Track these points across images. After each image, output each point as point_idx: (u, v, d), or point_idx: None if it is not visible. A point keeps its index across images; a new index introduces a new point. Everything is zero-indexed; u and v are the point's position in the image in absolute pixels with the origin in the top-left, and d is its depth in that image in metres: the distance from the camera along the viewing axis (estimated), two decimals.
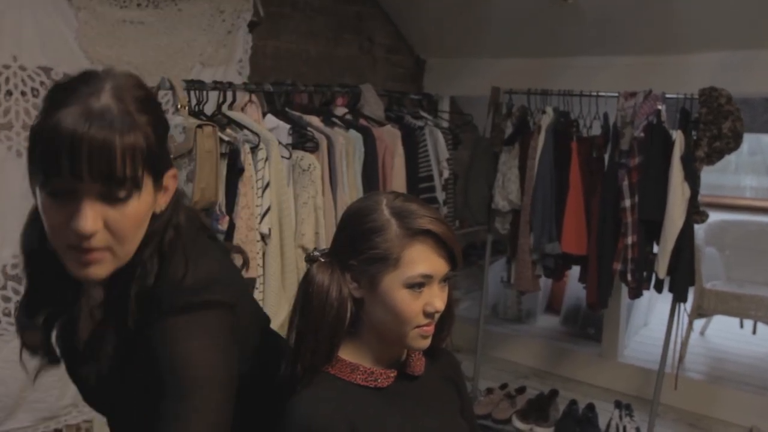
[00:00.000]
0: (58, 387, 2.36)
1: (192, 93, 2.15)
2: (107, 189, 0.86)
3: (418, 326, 1.13)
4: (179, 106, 2.01)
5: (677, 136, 2.70)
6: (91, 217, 0.86)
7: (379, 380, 1.16)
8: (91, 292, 1.03)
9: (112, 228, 0.89)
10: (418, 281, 1.10)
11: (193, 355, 0.92)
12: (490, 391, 3.43)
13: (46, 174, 0.85)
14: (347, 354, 1.17)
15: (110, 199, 0.87)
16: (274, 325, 2.07)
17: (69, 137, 0.83)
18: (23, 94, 2.16)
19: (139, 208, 0.91)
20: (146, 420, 0.91)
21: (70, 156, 0.83)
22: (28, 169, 0.90)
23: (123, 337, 0.96)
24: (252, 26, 2.82)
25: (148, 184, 0.91)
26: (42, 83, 2.20)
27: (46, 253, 0.96)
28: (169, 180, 0.98)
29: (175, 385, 0.91)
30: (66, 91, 0.87)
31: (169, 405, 0.90)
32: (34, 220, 0.98)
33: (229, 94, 2.28)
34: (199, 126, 1.88)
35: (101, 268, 0.91)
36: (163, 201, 0.98)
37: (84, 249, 0.88)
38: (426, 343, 1.16)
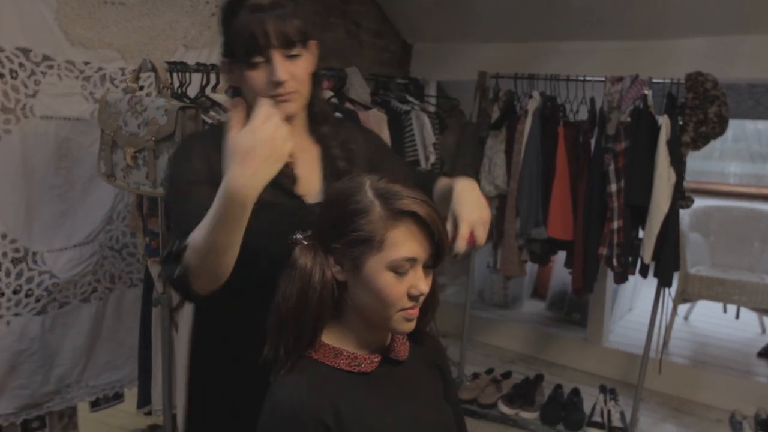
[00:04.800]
0: (42, 373, 2.32)
1: (175, 75, 2.12)
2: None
3: (403, 309, 1.12)
4: (161, 88, 1.97)
5: (663, 120, 2.69)
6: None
7: (362, 365, 1.15)
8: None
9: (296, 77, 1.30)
10: (402, 264, 1.09)
11: None
12: (476, 376, 3.44)
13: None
14: (330, 338, 1.16)
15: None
16: None
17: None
18: (1, 76, 2.10)
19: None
20: None
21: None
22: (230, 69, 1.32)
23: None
24: None
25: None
26: (21, 65, 2.14)
27: None
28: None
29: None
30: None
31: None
32: None
33: (213, 77, 2.24)
34: (182, 108, 1.84)
35: (292, 106, 1.32)
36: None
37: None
38: (410, 326, 1.15)
